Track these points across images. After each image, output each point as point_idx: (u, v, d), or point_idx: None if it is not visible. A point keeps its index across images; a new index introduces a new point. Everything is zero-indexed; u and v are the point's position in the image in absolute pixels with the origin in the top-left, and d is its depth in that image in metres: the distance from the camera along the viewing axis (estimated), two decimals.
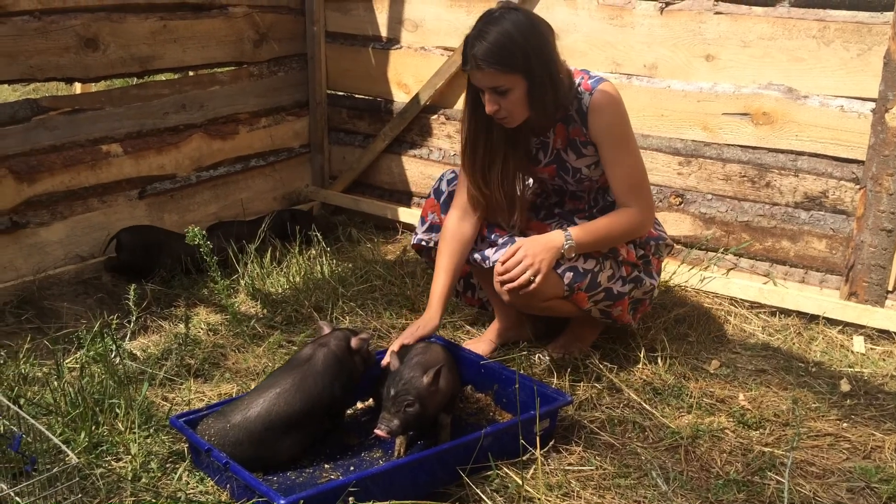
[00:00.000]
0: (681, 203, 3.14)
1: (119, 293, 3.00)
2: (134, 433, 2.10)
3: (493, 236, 2.48)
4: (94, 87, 4.22)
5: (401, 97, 3.74)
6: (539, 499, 1.90)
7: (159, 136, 3.45)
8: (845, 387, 2.44)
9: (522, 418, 2.02)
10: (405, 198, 3.86)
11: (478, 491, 1.92)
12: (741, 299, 2.95)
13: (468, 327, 2.84)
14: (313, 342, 2.20)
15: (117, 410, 2.17)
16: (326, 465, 2.06)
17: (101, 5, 3.17)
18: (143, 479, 1.97)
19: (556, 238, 2.29)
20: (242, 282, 3.08)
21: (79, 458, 1.83)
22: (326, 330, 2.24)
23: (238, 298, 3.00)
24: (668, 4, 3.02)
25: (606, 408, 2.32)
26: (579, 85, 2.36)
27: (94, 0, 3.14)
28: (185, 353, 2.59)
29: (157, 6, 3.34)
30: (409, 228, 3.60)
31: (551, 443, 2.12)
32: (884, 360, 2.61)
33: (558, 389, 2.27)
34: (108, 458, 2.05)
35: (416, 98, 3.64)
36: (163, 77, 3.63)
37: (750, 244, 3.02)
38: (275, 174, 3.92)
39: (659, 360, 2.52)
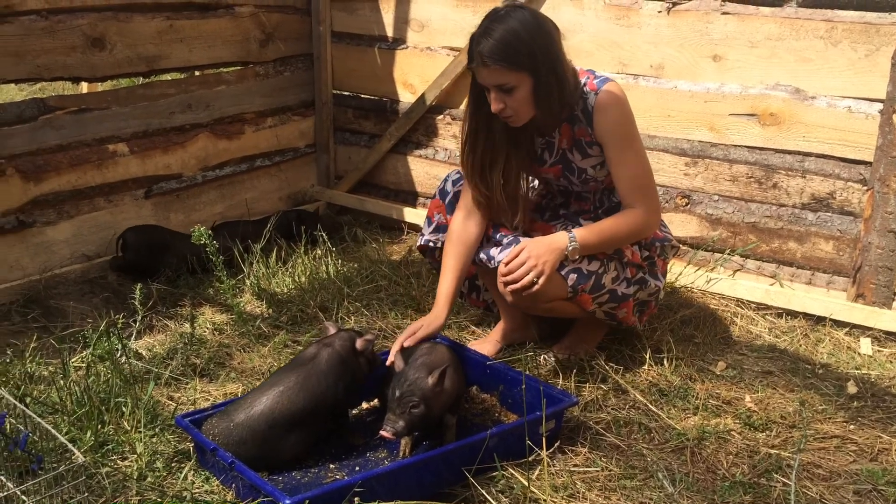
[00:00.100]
0: (687, 204, 3.13)
1: (125, 292, 3.00)
2: (140, 432, 2.11)
3: (498, 236, 2.48)
4: (100, 87, 4.22)
5: (406, 97, 3.74)
6: (545, 500, 1.90)
7: (165, 135, 3.45)
8: (852, 389, 2.43)
9: (528, 419, 2.02)
10: (411, 198, 3.86)
11: (483, 492, 1.91)
12: (748, 301, 2.94)
13: (473, 328, 2.84)
14: (318, 342, 2.20)
15: (123, 409, 2.18)
16: (332, 465, 2.06)
17: (108, 5, 3.18)
18: (149, 479, 1.97)
19: (559, 239, 2.28)
20: (248, 281, 3.08)
21: (85, 456, 1.83)
22: (332, 330, 2.24)
23: (243, 298, 3.00)
24: (674, 4, 3.01)
25: (612, 409, 2.31)
26: (585, 85, 2.35)
27: (101, 0, 3.15)
28: (190, 353, 2.59)
29: (163, 6, 3.34)
30: (415, 228, 3.60)
31: (557, 444, 2.11)
32: (891, 362, 2.59)
33: (564, 390, 2.26)
34: (114, 457, 2.05)
35: (421, 98, 3.64)
36: (169, 77, 3.64)
37: (756, 245, 3.01)
38: (280, 174, 3.92)
39: (665, 362, 2.51)
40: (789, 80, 2.85)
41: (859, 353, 2.65)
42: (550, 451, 2.06)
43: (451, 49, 3.54)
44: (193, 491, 1.94)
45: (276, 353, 2.62)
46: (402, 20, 3.66)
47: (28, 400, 2.21)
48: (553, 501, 1.90)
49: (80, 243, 3.23)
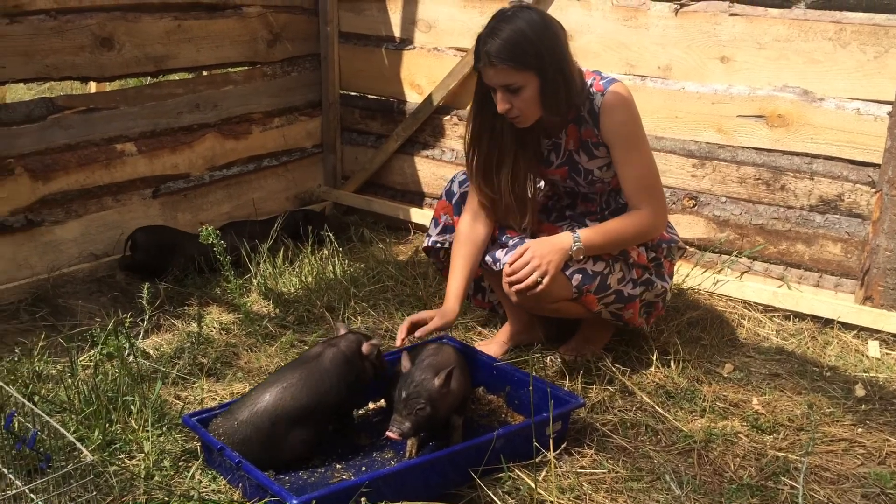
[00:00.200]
0: (694, 205, 3.12)
1: (133, 292, 3.01)
2: (147, 431, 2.11)
3: (503, 238, 2.48)
4: (108, 87, 4.25)
5: (413, 98, 3.75)
6: (551, 501, 1.90)
7: (173, 135, 3.46)
8: (860, 392, 2.42)
9: (535, 420, 2.02)
10: (417, 198, 3.86)
11: (489, 493, 1.91)
12: (755, 303, 2.93)
13: (480, 328, 2.83)
14: (324, 341, 2.20)
15: (131, 408, 2.18)
16: (338, 466, 2.07)
17: (117, 5, 3.19)
18: (156, 478, 1.98)
19: (564, 239, 2.28)
20: (255, 281, 3.09)
21: (92, 455, 1.84)
22: (342, 331, 2.25)
23: (250, 298, 3.01)
24: (682, 6, 3.00)
25: (619, 411, 2.31)
26: (591, 86, 2.35)
27: (110, 0, 3.16)
28: (197, 352, 2.59)
29: (171, 6, 3.35)
30: (422, 229, 3.60)
31: (563, 445, 2.11)
32: None
33: (570, 392, 2.26)
34: (122, 455, 2.06)
35: (428, 99, 3.64)
36: (177, 77, 3.65)
37: (764, 247, 3.01)
38: (287, 174, 3.92)
39: (672, 364, 2.51)
40: (797, 82, 2.84)
41: (867, 356, 2.64)
42: (557, 452, 2.05)
43: (459, 50, 3.54)
44: (200, 490, 1.95)
45: (282, 352, 2.62)
46: (409, 21, 3.66)
47: (36, 398, 2.21)
48: (560, 503, 1.90)
49: (88, 242, 3.24)
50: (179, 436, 2.15)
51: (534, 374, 2.29)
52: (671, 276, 2.56)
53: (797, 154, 2.89)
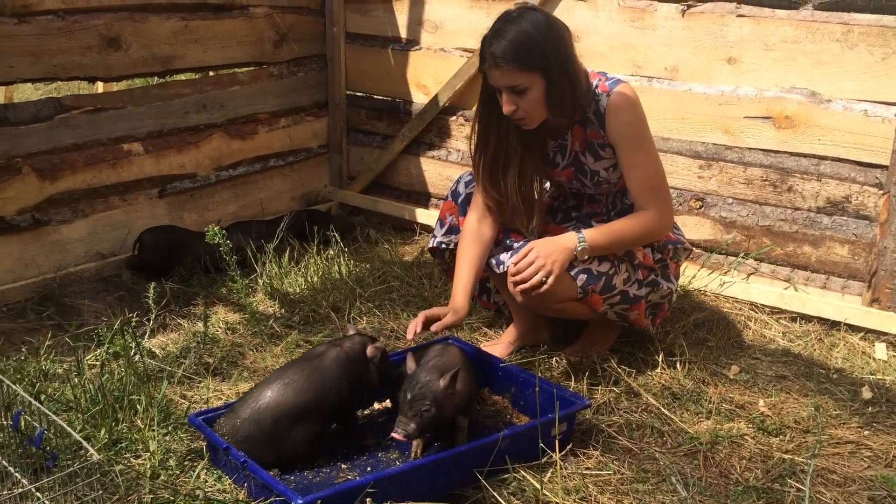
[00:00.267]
0: (701, 207, 3.12)
1: (139, 291, 3.02)
2: (153, 430, 2.12)
3: (508, 241, 2.48)
4: (115, 87, 4.26)
5: (420, 98, 3.75)
6: (557, 503, 1.89)
7: (180, 135, 3.47)
8: (867, 394, 2.41)
9: (540, 421, 2.02)
10: (423, 199, 3.86)
11: (494, 494, 1.91)
12: (761, 304, 2.92)
13: (485, 329, 2.83)
14: (329, 342, 2.21)
15: (137, 407, 2.19)
16: (343, 466, 2.07)
17: (124, 5, 3.20)
18: (162, 477, 1.98)
19: (568, 239, 2.28)
20: (260, 281, 3.09)
21: (98, 454, 1.84)
22: (350, 332, 2.25)
23: (256, 298, 3.01)
24: (689, 7, 3.00)
25: (624, 412, 2.30)
26: (596, 87, 2.35)
27: (117, 0, 3.17)
28: (203, 352, 2.60)
29: (178, 6, 3.36)
30: (427, 229, 3.60)
31: (569, 446, 2.11)
32: None
33: (576, 393, 2.26)
34: (128, 454, 2.06)
35: (434, 99, 3.64)
36: (184, 77, 3.66)
37: (771, 249, 3.00)
38: (293, 174, 3.93)
39: (678, 365, 2.50)
40: (805, 83, 2.83)
41: (874, 359, 2.63)
42: (562, 453, 2.05)
43: (465, 50, 3.54)
44: (206, 489, 1.95)
45: (288, 352, 2.62)
46: (415, 21, 3.67)
47: (43, 397, 2.22)
48: None
49: (94, 242, 3.25)
50: (185, 435, 2.15)
51: (539, 374, 2.29)
52: (677, 278, 2.55)
53: (804, 155, 2.88)
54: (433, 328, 2.28)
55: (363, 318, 2.88)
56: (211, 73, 3.68)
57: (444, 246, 2.61)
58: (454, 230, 2.58)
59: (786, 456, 2.10)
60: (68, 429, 1.85)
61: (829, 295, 2.90)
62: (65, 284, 3.09)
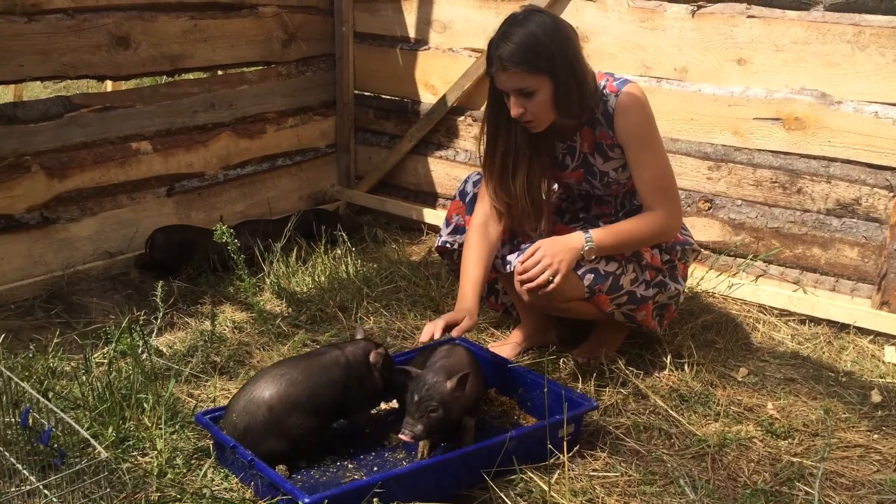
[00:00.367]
0: (710, 208, 3.11)
1: (146, 289, 3.03)
2: (160, 429, 2.12)
3: (515, 241, 2.47)
4: (124, 85, 4.28)
5: (428, 98, 3.74)
6: None
7: (188, 134, 3.48)
8: (876, 397, 2.39)
9: (548, 422, 2.01)
10: (431, 199, 3.86)
11: (501, 494, 1.91)
12: (770, 307, 2.91)
13: (493, 329, 2.83)
14: (334, 344, 2.21)
15: (144, 406, 2.19)
16: (350, 465, 2.07)
17: (133, 4, 3.20)
18: (169, 475, 1.99)
19: (575, 239, 2.27)
20: (268, 280, 3.09)
21: (106, 452, 1.84)
22: (358, 336, 2.25)
23: (263, 297, 3.01)
24: (699, 7, 2.99)
25: (632, 414, 2.30)
26: (604, 87, 2.34)
27: None
28: (210, 351, 2.60)
29: (187, 5, 3.37)
30: (435, 230, 3.60)
31: (576, 448, 2.10)
32: None
33: (583, 394, 2.25)
34: (135, 452, 2.07)
35: (443, 99, 3.64)
36: (192, 76, 3.66)
37: (780, 251, 2.98)
38: (301, 174, 3.93)
39: (686, 367, 2.49)
40: (815, 85, 2.82)
41: (883, 362, 2.61)
42: (569, 455, 2.04)
43: (474, 50, 3.54)
44: (213, 488, 1.95)
45: (295, 351, 2.62)
46: (424, 21, 3.66)
47: (51, 395, 2.23)
48: None
49: (102, 240, 3.26)
50: (192, 433, 2.15)
51: (547, 376, 2.29)
52: (685, 279, 2.54)
53: (814, 157, 2.87)
54: (453, 333, 2.27)
55: (370, 317, 2.88)
56: (219, 73, 3.69)
57: (448, 245, 2.60)
58: (460, 230, 2.57)
59: (794, 459, 2.09)
60: (76, 426, 1.85)
61: (838, 297, 2.89)
62: (73, 282, 3.09)
